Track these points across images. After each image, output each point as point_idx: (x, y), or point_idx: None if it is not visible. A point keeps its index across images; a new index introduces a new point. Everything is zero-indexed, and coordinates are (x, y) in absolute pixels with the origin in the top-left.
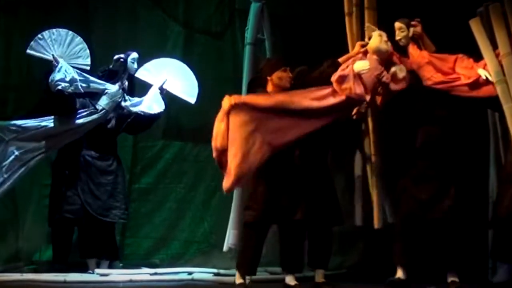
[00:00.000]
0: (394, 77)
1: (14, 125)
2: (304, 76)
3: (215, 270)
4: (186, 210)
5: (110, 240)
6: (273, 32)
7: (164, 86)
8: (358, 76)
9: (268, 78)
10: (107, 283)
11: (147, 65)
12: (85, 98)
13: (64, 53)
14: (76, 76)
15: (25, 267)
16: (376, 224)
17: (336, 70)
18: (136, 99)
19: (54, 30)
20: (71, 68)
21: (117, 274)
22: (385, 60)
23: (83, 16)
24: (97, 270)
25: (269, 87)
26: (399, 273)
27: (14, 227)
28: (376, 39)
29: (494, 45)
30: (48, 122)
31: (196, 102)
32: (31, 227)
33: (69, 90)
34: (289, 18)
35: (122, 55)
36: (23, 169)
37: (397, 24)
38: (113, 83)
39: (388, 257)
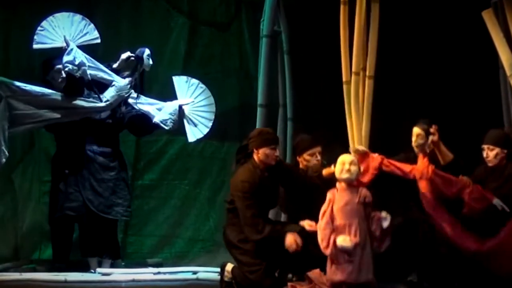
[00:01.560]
0: (378, 222)
1: (14, 84)
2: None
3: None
4: (190, 207)
5: (112, 238)
6: (289, 24)
7: (184, 107)
8: (342, 250)
9: (255, 150)
10: (109, 282)
11: (192, 80)
12: (90, 90)
13: (71, 36)
14: (85, 61)
15: (24, 266)
16: None
17: (319, 181)
18: (150, 100)
19: (51, 17)
20: (81, 52)
21: (119, 274)
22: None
23: (84, 7)
24: (98, 270)
25: (255, 158)
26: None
27: (13, 224)
28: (337, 169)
29: (508, 37)
30: (50, 92)
31: None
32: (31, 225)
33: (77, 74)
34: (305, 10)
35: (130, 53)
36: (11, 130)
37: (416, 130)
38: (123, 77)
39: (400, 256)
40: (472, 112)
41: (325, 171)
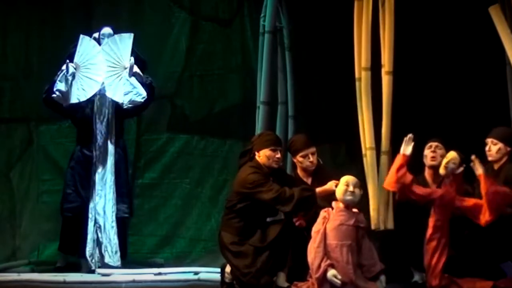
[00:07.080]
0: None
1: None
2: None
3: None
4: (192, 207)
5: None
6: (290, 20)
7: (133, 70)
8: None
9: (256, 153)
10: (109, 283)
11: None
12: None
13: None
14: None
15: (22, 266)
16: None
17: (310, 196)
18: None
19: None
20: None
21: (119, 274)
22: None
23: (84, 3)
24: (98, 270)
25: (259, 161)
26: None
27: (11, 224)
28: (340, 189)
29: None
30: None
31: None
32: (29, 224)
33: (61, 103)
34: (307, 5)
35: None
36: None
37: (454, 155)
38: None
39: (403, 257)
40: (479, 109)
41: (322, 189)
